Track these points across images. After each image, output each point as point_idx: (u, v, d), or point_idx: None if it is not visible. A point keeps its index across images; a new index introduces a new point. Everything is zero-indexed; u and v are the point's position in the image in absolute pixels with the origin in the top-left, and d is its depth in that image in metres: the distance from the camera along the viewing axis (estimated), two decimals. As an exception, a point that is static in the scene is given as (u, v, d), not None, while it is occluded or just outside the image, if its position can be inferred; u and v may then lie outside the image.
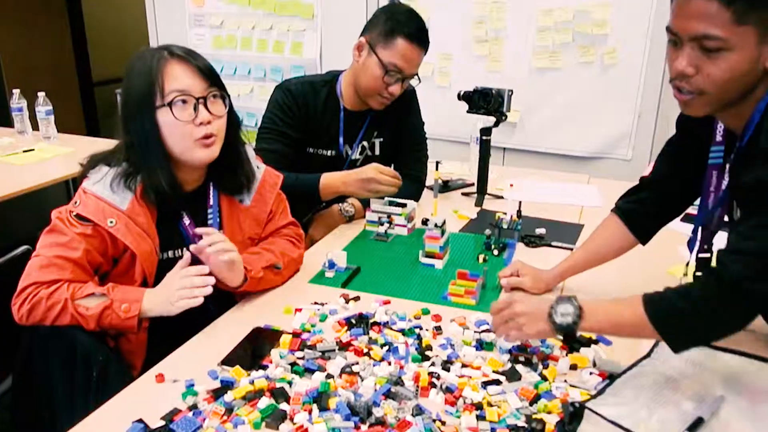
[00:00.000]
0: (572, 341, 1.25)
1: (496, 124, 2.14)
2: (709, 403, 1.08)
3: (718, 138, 1.20)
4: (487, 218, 1.97)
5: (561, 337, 1.21)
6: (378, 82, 1.92)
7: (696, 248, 1.30)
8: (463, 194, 2.30)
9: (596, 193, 2.32)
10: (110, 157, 1.39)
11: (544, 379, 1.18)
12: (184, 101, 1.33)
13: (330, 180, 1.92)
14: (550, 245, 1.81)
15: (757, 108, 1.07)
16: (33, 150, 2.80)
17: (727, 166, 1.18)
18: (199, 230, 1.39)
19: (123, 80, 1.37)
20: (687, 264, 1.38)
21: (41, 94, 2.91)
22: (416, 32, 1.89)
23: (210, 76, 1.37)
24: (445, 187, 2.34)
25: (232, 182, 1.51)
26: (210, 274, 1.34)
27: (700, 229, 1.29)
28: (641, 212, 1.42)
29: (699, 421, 1.02)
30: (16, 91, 2.99)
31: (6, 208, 2.30)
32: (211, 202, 1.49)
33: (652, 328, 1.06)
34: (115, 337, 1.38)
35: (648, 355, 1.23)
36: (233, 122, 1.46)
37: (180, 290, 1.31)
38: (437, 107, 3.12)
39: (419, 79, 2.00)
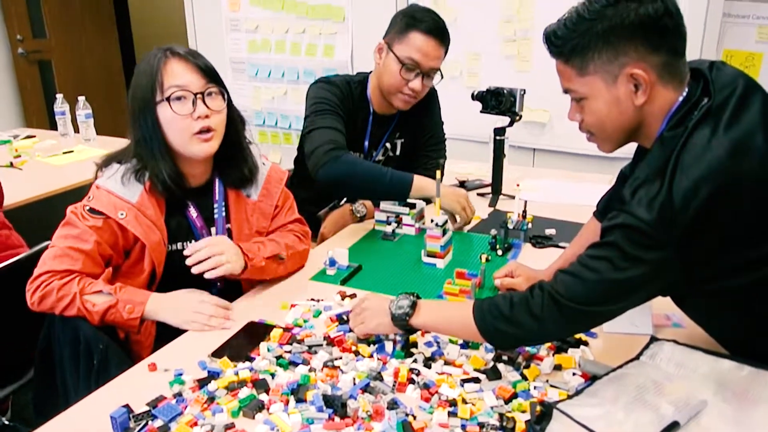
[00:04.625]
0: (410, 334, 1.28)
1: (510, 124, 2.12)
2: (690, 407, 1.05)
3: None
4: (499, 219, 1.96)
5: (402, 333, 1.27)
6: (397, 78, 1.93)
7: None
8: (479, 195, 2.29)
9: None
10: (121, 155, 1.48)
11: (525, 378, 1.17)
12: (182, 96, 1.39)
13: (423, 180, 1.86)
14: (558, 246, 1.79)
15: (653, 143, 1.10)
16: (72, 152, 2.94)
17: None
18: (187, 252, 1.42)
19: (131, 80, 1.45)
20: None
21: (81, 98, 3.05)
22: (431, 25, 1.89)
23: (209, 73, 1.43)
24: (462, 187, 2.34)
25: (235, 175, 1.55)
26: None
27: None
28: (610, 208, 1.42)
29: (674, 425, 1.00)
30: (59, 96, 3.13)
31: (44, 207, 2.44)
32: (217, 197, 1.54)
33: (475, 328, 1.14)
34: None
35: (637, 357, 1.21)
36: (234, 119, 1.51)
37: (196, 314, 1.38)
38: (466, 108, 3.10)
39: (442, 75, 1.99)
